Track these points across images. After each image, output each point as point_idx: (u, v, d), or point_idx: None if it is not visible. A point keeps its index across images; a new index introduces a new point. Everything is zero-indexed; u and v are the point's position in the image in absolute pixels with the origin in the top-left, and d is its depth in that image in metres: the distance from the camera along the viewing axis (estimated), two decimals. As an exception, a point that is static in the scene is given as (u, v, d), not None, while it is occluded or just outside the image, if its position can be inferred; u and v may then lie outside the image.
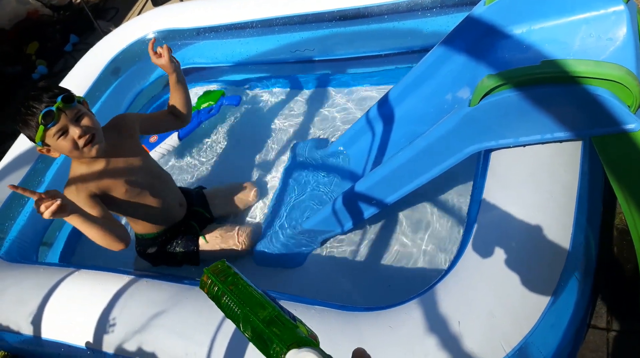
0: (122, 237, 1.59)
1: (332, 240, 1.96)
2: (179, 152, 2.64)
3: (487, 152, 1.50)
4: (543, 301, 1.19)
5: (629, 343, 1.44)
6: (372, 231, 1.94)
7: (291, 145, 2.33)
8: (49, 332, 1.61)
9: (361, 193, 1.68)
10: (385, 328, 1.25)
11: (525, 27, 1.53)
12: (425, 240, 1.85)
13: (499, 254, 1.26)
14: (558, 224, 1.28)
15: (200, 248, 2.00)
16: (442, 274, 1.33)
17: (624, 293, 1.54)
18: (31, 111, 1.49)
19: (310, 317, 1.33)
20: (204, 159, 2.58)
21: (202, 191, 2.20)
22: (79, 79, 2.66)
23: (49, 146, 1.57)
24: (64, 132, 1.53)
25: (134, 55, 2.82)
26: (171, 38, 2.82)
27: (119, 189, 1.70)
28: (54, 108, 1.49)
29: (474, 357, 1.15)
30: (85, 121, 1.57)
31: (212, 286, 0.71)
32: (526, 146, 1.41)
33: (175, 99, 1.87)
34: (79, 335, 1.55)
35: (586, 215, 1.36)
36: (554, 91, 1.23)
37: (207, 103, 2.65)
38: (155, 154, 2.55)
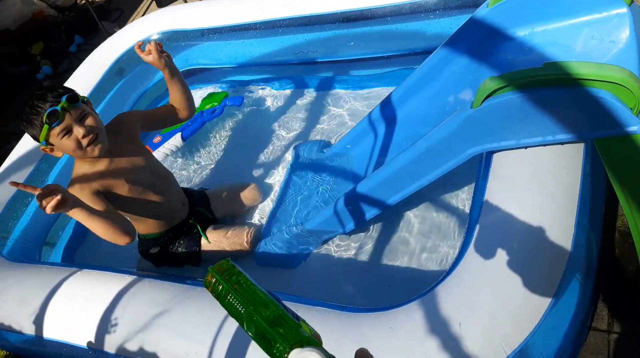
0: (127, 230, 1.59)
1: (333, 240, 1.96)
2: (182, 152, 2.65)
3: (489, 154, 1.50)
4: (544, 303, 1.20)
5: (630, 345, 1.43)
6: (374, 232, 1.95)
7: (294, 146, 2.34)
8: (51, 332, 1.61)
9: (363, 194, 1.69)
10: (386, 329, 1.25)
11: (528, 30, 1.53)
12: (427, 241, 1.85)
13: (501, 255, 1.26)
14: (560, 226, 1.29)
15: (203, 249, 2.00)
16: (443, 275, 1.33)
17: (625, 295, 1.53)
18: (36, 110, 1.50)
19: (312, 317, 1.33)
20: (207, 160, 2.59)
21: (205, 191, 2.20)
22: (83, 79, 2.67)
23: (52, 145, 1.58)
24: (68, 131, 1.54)
25: (138, 56, 2.79)
26: (175, 39, 2.83)
27: (121, 189, 1.71)
28: (58, 108, 1.50)
29: (475, 358, 1.16)
30: (89, 121, 1.57)
31: (217, 285, 0.71)
32: (528, 148, 1.42)
33: (173, 93, 1.85)
34: (81, 335, 1.55)
35: (588, 217, 1.36)
36: (556, 93, 1.23)
37: (211, 104, 2.65)
38: (158, 154, 2.56)
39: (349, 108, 2.50)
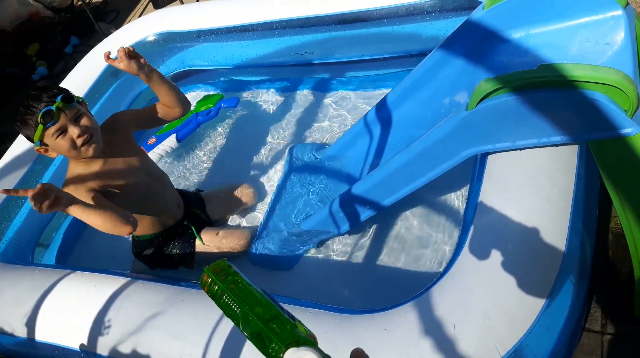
0: (127, 218, 1.55)
1: (328, 241, 1.96)
2: (178, 153, 2.64)
3: (484, 155, 1.50)
4: (538, 304, 1.20)
5: (624, 346, 1.44)
6: (369, 233, 1.95)
7: (289, 147, 2.34)
8: (43, 334, 1.60)
9: (358, 195, 1.69)
10: (381, 330, 1.25)
11: (524, 32, 1.53)
12: (421, 242, 1.85)
13: (495, 257, 1.27)
14: (554, 227, 1.29)
15: (197, 250, 2.00)
16: (437, 276, 1.33)
17: (618, 297, 1.54)
18: (30, 110, 1.50)
19: (307, 318, 1.33)
20: (202, 161, 2.59)
21: (200, 193, 2.20)
22: (78, 80, 2.66)
23: (47, 145, 1.58)
24: (62, 131, 1.53)
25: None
26: (171, 40, 2.83)
27: (116, 189, 1.70)
28: (53, 107, 1.49)
29: (470, 359, 1.16)
30: (84, 121, 1.57)
31: (212, 285, 0.71)
32: (522, 150, 1.42)
33: (159, 94, 1.79)
34: (74, 338, 1.54)
35: (582, 219, 1.37)
36: (551, 95, 1.24)
37: (206, 106, 2.65)
38: (153, 155, 2.55)
39: (345, 110, 2.50)
